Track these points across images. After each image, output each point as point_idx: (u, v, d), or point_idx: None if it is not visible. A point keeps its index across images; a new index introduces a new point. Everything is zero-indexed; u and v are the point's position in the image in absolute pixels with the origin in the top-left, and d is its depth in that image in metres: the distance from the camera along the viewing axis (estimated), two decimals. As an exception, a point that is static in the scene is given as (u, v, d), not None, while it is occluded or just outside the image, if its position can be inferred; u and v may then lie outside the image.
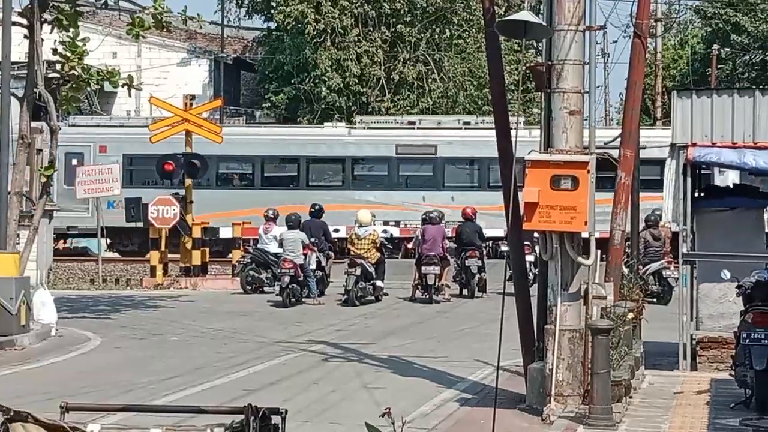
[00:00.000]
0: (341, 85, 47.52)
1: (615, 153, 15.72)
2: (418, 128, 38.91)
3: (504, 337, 12.10)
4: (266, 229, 28.34)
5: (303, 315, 24.09)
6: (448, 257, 27.23)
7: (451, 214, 36.14)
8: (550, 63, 13.22)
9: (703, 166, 17.88)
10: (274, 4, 49.09)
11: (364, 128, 39.18)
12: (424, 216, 27.81)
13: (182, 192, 30.94)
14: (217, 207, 35.91)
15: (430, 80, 48.58)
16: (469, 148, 38.05)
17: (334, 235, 30.08)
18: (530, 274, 20.36)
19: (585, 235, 13.16)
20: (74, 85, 22.38)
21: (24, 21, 21.57)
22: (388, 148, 38.10)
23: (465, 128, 38.82)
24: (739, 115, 16.51)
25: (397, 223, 34.91)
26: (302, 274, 25.92)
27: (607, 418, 12.17)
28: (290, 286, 25.53)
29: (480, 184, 38.45)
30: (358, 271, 25.70)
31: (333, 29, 47.69)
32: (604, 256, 15.24)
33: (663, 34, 57.06)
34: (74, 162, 36.54)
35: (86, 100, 44.72)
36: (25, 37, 21.68)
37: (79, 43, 22.12)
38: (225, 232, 34.60)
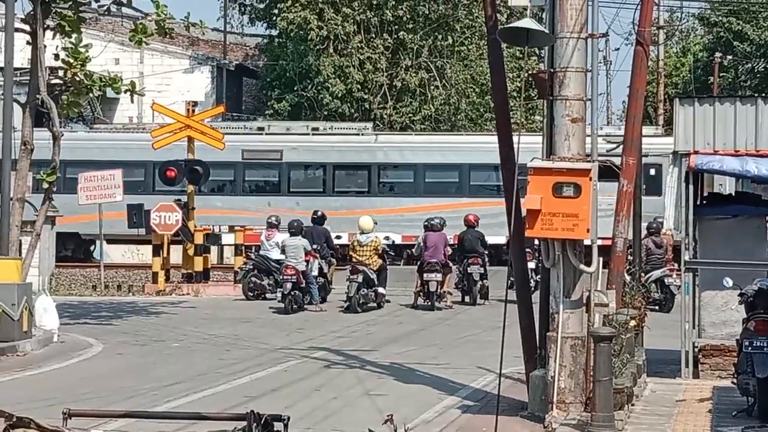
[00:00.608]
0: (344, 91, 47.53)
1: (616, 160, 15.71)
2: (266, 134, 38.92)
3: (506, 345, 12.11)
4: (268, 235, 28.35)
5: (305, 322, 24.09)
6: (450, 264, 27.23)
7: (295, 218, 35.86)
8: (552, 70, 13.23)
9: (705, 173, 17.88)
10: (276, 11, 49.11)
11: None
12: (425, 223, 27.80)
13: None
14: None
15: (432, 87, 48.58)
16: (315, 154, 38.11)
17: None
18: (531, 281, 20.37)
19: (587, 242, 13.16)
20: (75, 91, 22.42)
21: (27, 27, 21.60)
22: (234, 154, 37.91)
23: (313, 134, 38.88)
24: (742, 123, 16.52)
25: (243, 228, 34.99)
26: (304, 281, 25.93)
27: (609, 425, 12.16)
28: (292, 293, 25.54)
29: (325, 189, 38.56)
30: (360, 278, 25.72)
31: (336, 36, 47.71)
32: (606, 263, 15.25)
33: (665, 41, 57.09)
34: None
35: (89, 107, 44.74)
36: (28, 43, 21.72)
37: (82, 50, 22.15)
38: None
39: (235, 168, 38.24)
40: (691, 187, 16.74)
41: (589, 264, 13.09)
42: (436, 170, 38.52)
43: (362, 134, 38.97)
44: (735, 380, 14.06)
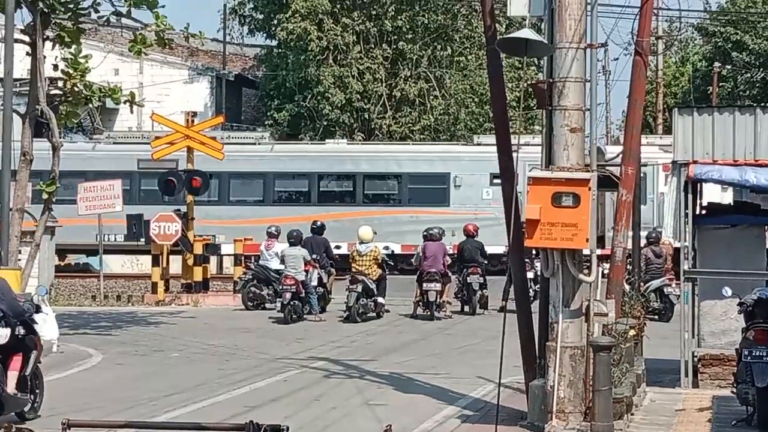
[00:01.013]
0: (343, 101, 47.58)
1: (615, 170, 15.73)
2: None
3: (505, 354, 12.13)
4: (268, 245, 28.35)
5: (304, 331, 24.09)
6: (449, 274, 27.24)
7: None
8: (551, 80, 13.25)
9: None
10: (275, 22, 49.15)
11: (111, 143, 39.10)
12: (425, 233, 27.81)
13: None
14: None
15: (431, 97, 48.62)
16: (210, 163, 37.90)
17: None
18: (530, 290, 20.39)
19: (586, 252, 13.17)
20: (74, 101, 22.44)
21: (26, 38, 21.64)
22: (129, 163, 37.72)
23: None
24: (740, 132, 16.55)
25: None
26: (304, 291, 25.93)
27: (608, 435, 12.17)
28: (292, 303, 25.53)
29: (221, 198, 38.64)
30: (360, 288, 25.71)
31: (335, 46, 47.77)
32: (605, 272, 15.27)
33: (664, 51, 57.14)
34: None
35: (88, 117, 44.76)
36: (28, 54, 21.74)
37: (82, 60, 22.19)
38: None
39: (131, 178, 38.06)
40: (690, 196, 16.77)
41: (588, 273, 13.11)
42: (330, 179, 38.98)
43: (258, 143, 39.05)
44: (734, 389, 14.06)
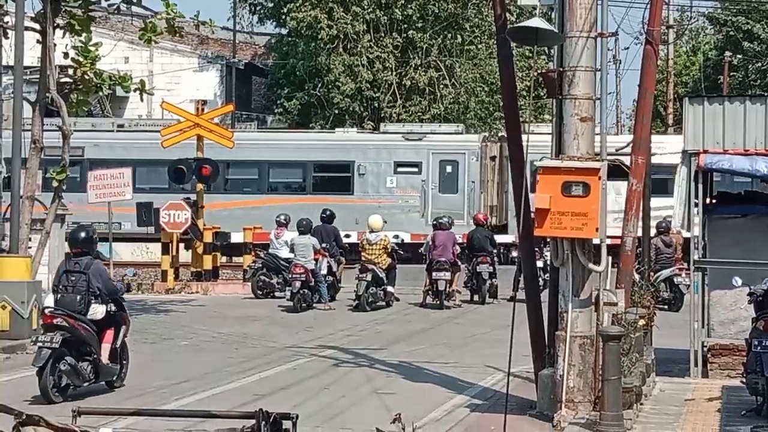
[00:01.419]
0: (354, 90, 47.55)
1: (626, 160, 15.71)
2: (72, 131, 38.59)
3: (515, 343, 12.12)
4: (277, 234, 28.37)
5: (314, 320, 24.11)
6: (459, 263, 27.24)
7: (91, 215, 35.12)
8: (561, 69, 13.23)
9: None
10: (285, 10, 49.13)
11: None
12: (434, 222, 27.81)
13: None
14: None
15: (441, 86, 48.57)
16: (117, 151, 37.55)
17: None
18: (539, 279, 20.38)
19: (596, 241, 13.15)
20: (84, 89, 22.47)
21: (37, 26, 21.64)
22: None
23: (117, 131, 38.80)
24: (751, 122, 16.52)
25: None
26: (313, 280, 25.95)
27: (618, 424, 12.16)
28: (301, 291, 25.56)
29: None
30: (369, 277, 25.72)
31: (345, 35, 47.74)
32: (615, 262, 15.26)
33: (675, 41, 57.02)
34: None
35: (98, 105, 44.81)
36: (38, 41, 21.76)
37: (92, 48, 22.20)
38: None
39: None
40: (700, 186, 16.74)
41: (598, 263, 13.09)
42: (235, 167, 38.87)
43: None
44: (744, 379, 14.06)
